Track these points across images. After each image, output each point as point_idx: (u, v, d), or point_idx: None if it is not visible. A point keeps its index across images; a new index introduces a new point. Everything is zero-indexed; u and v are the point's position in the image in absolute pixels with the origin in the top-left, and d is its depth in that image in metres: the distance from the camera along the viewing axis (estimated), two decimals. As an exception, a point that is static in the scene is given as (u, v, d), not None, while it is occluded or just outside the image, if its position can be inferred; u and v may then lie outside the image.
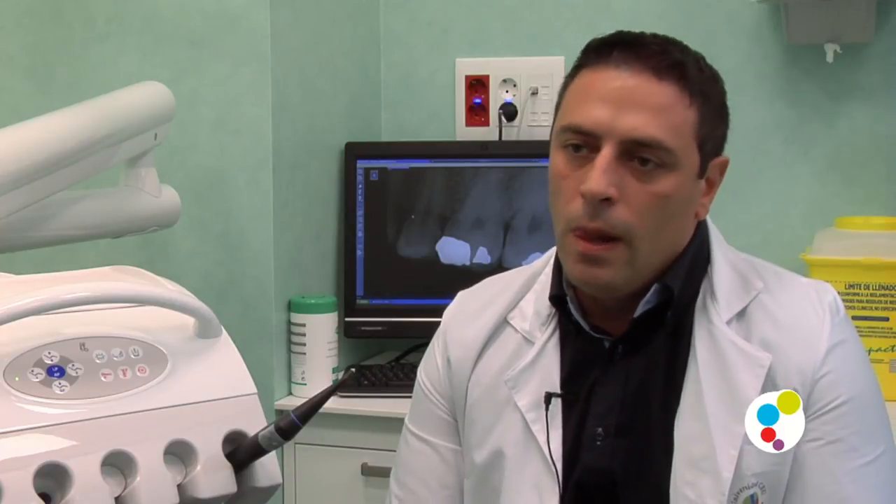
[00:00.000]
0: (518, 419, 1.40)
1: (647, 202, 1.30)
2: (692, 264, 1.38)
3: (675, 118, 1.31)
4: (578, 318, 1.40)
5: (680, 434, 1.34)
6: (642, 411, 1.37)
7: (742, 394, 1.31)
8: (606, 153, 1.29)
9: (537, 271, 1.48)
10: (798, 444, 1.31)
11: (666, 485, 1.33)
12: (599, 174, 1.29)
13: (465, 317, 1.50)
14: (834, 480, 1.32)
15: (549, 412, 1.38)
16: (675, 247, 1.37)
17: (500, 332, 1.46)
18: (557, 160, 1.35)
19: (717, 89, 1.37)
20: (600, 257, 1.31)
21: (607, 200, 1.29)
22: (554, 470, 1.37)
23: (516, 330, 1.45)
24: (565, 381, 1.40)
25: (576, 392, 1.39)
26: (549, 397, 1.38)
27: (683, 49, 1.36)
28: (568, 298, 1.40)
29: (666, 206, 1.32)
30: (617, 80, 1.31)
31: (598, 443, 1.37)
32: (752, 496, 1.31)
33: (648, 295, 1.36)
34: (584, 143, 1.32)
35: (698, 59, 1.36)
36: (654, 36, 1.36)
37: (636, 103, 1.30)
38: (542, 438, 1.38)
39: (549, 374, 1.40)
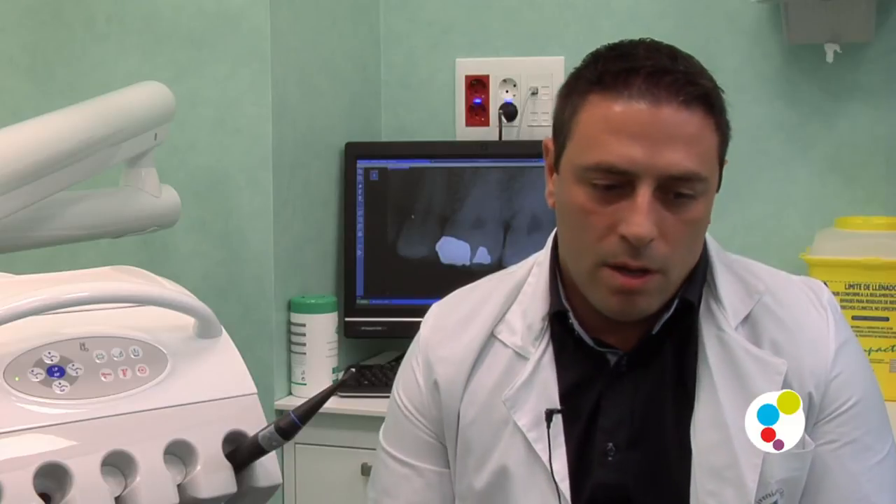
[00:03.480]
0: (520, 439, 1.36)
1: (682, 232, 1.27)
2: (698, 272, 1.36)
3: (705, 145, 1.27)
4: (582, 333, 1.36)
5: (698, 443, 1.32)
6: (654, 422, 1.35)
7: None
8: (646, 193, 1.24)
9: (519, 282, 1.42)
10: (815, 447, 1.32)
11: (685, 496, 1.32)
12: (644, 218, 1.24)
13: (446, 333, 1.43)
14: (853, 480, 1.33)
15: (550, 430, 1.34)
16: (695, 262, 1.34)
17: (489, 347, 1.40)
18: (580, 196, 1.28)
19: (723, 99, 1.32)
20: (640, 289, 1.28)
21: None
22: (557, 490, 1.33)
23: (505, 345, 1.40)
24: (564, 396, 1.36)
25: (578, 407, 1.35)
26: (549, 414, 1.34)
27: (701, 70, 1.30)
28: (570, 315, 1.37)
29: (697, 231, 1.30)
30: (645, 113, 1.24)
31: (610, 458, 1.34)
32: (774, 503, 1.31)
33: (670, 311, 1.33)
34: (616, 182, 1.25)
35: (710, 75, 1.31)
36: (672, 58, 1.28)
37: (670, 136, 1.24)
38: (545, 457, 1.34)
39: (548, 391, 1.36)
